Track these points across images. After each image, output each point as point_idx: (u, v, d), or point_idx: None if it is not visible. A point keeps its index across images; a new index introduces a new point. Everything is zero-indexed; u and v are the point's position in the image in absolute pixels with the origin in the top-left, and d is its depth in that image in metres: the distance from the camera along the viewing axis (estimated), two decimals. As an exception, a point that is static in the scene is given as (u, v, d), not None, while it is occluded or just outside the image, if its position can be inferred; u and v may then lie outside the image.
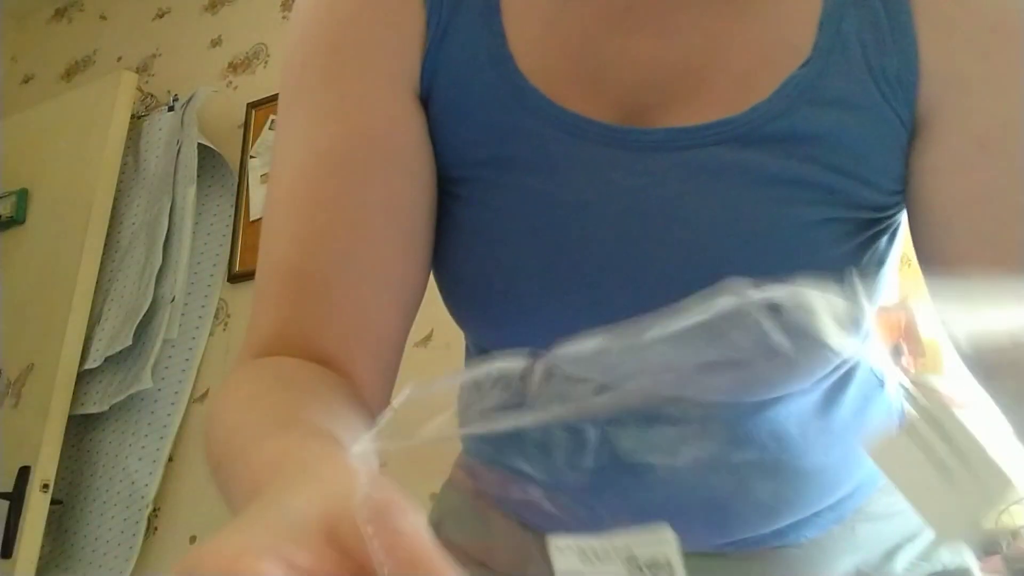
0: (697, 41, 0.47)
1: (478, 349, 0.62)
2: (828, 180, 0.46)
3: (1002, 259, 0.42)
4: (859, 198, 0.46)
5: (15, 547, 1.89)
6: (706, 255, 0.47)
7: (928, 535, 0.60)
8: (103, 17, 2.85)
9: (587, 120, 0.48)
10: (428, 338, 1.77)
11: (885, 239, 0.50)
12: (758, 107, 0.46)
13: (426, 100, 0.51)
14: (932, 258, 0.46)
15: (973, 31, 0.43)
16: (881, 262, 0.50)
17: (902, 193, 0.47)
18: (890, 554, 0.58)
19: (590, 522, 0.56)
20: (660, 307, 0.48)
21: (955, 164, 0.44)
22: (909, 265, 0.60)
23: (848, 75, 0.45)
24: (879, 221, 0.48)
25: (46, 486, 1.95)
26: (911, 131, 0.46)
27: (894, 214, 0.49)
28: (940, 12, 0.44)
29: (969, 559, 0.61)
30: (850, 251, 0.47)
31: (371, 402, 0.46)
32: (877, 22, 0.45)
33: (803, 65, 0.46)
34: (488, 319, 0.53)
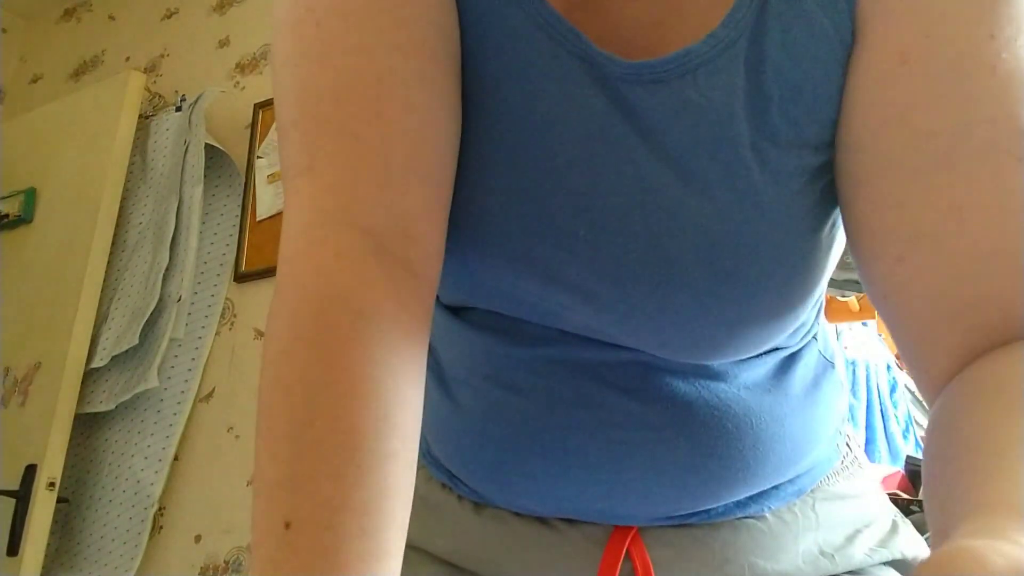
0: None
1: (440, 304, 0.60)
2: (777, 108, 0.46)
3: (901, 182, 0.42)
4: (809, 128, 0.47)
5: (21, 545, 1.89)
6: (660, 188, 0.48)
7: (883, 522, 0.61)
8: (111, 17, 2.86)
9: (574, 31, 0.49)
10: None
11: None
12: (713, 34, 0.47)
13: None
14: (842, 190, 0.46)
15: None
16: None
17: None
18: (850, 538, 0.59)
19: (555, 498, 0.56)
20: (612, 230, 0.49)
21: (875, 80, 0.44)
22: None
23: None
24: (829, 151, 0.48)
25: (52, 484, 1.96)
26: (849, 48, 0.46)
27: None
28: None
29: (927, 549, 0.60)
30: (805, 183, 0.48)
31: (434, 256, 0.47)
32: None
33: None
34: (453, 242, 0.52)
